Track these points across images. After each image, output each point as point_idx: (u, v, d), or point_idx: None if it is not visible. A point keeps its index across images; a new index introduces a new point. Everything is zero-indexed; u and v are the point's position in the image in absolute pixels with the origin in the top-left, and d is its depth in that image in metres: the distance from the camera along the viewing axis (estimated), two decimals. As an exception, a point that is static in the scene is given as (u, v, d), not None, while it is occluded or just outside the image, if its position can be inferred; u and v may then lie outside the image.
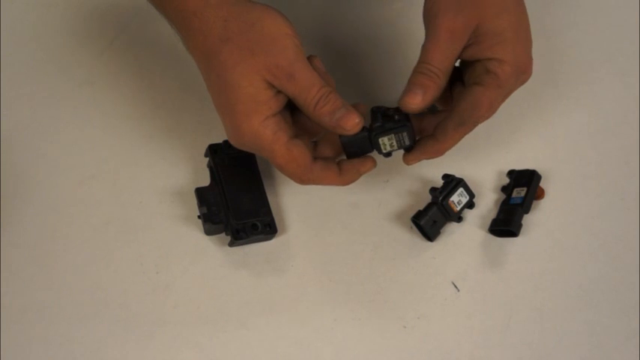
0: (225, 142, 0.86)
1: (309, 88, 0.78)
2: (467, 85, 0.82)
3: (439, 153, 0.83)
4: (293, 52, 0.78)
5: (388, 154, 0.82)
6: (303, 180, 0.80)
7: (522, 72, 0.81)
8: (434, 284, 0.84)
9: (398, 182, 0.88)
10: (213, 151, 0.85)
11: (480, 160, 0.90)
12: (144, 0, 0.82)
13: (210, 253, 0.84)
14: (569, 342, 0.83)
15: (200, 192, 0.84)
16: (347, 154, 0.82)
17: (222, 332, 0.82)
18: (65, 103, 0.90)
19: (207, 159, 0.86)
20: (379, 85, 0.93)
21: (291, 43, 0.78)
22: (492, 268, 0.85)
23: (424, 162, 0.87)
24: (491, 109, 0.81)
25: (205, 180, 0.86)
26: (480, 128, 0.90)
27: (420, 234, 0.86)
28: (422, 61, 0.80)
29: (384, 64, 0.94)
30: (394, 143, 0.81)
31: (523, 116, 0.92)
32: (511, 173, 0.89)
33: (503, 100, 0.82)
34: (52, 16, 0.94)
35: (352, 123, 0.78)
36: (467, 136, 0.89)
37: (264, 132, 0.78)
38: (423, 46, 0.80)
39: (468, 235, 0.86)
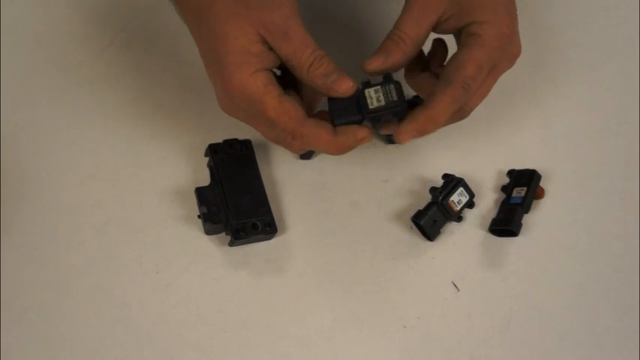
0: (225, 141, 0.86)
1: (304, 48, 0.77)
2: None
3: (430, 122, 0.79)
4: (289, 10, 0.77)
5: (376, 119, 0.79)
6: (295, 135, 0.78)
7: (507, 37, 0.80)
8: (434, 284, 0.84)
9: (398, 182, 0.88)
10: (213, 151, 0.85)
11: (480, 160, 0.90)
12: (144, 0, 0.82)
13: (210, 253, 0.84)
14: (569, 342, 0.83)
15: (200, 192, 0.84)
16: (333, 123, 0.79)
17: (222, 332, 0.82)
18: (65, 103, 0.90)
19: (207, 159, 0.86)
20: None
21: (287, 1, 0.77)
22: (492, 268, 0.85)
23: (424, 161, 0.88)
24: (479, 71, 0.79)
25: (205, 180, 0.86)
26: (480, 128, 0.90)
27: (420, 234, 0.86)
28: (394, 27, 0.81)
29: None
30: (381, 97, 0.78)
31: (523, 116, 0.92)
32: (511, 173, 0.89)
33: (489, 65, 0.80)
34: (52, 16, 0.94)
35: (346, 86, 0.77)
36: (467, 136, 0.89)
37: (254, 83, 0.76)
38: (399, 15, 0.81)
39: (468, 235, 0.86)
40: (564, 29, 0.97)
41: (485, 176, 0.89)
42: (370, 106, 0.78)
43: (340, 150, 0.79)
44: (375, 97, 0.78)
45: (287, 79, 0.81)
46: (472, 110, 0.83)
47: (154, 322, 0.81)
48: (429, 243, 0.86)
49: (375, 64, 0.80)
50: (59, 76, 0.91)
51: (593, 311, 0.84)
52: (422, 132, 0.80)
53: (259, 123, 0.79)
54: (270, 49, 0.77)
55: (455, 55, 0.81)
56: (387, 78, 0.79)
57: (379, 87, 0.78)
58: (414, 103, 0.83)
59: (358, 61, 0.81)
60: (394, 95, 0.79)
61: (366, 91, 0.78)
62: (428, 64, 0.85)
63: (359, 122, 0.79)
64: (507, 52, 0.81)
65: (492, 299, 0.84)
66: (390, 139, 0.89)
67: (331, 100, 0.79)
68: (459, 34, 0.82)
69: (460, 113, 0.82)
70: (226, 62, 0.76)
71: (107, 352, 0.80)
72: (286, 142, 0.79)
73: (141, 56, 0.93)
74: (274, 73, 0.79)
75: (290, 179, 0.87)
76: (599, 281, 0.85)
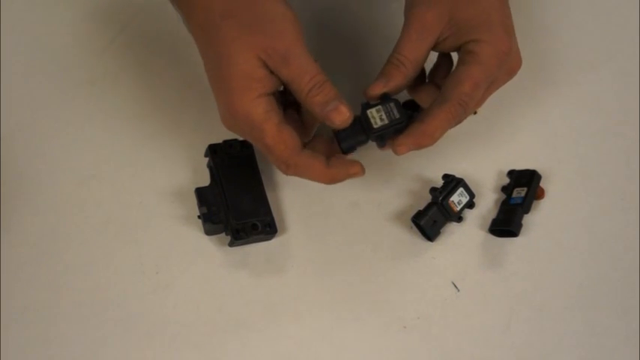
0: (225, 142, 0.86)
1: (303, 74, 0.77)
2: None
3: (427, 136, 0.80)
4: (291, 35, 0.78)
5: (381, 137, 0.80)
6: (289, 165, 0.79)
7: (504, 54, 0.81)
8: (434, 284, 0.84)
9: (398, 182, 0.88)
10: (213, 151, 0.85)
11: (480, 160, 0.90)
12: (144, 0, 0.82)
13: (210, 253, 0.84)
14: (569, 342, 0.83)
15: (200, 192, 0.84)
16: (341, 148, 0.81)
17: (222, 332, 0.82)
18: (65, 103, 0.90)
19: (207, 159, 0.86)
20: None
21: (290, 27, 0.78)
22: (492, 268, 0.85)
23: (424, 161, 0.88)
24: (476, 89, 0.80)
25: (205, 180, 0.86)
26: (480, 128, 0.91)
27: (420, 234, 0.86)
28: (393, 51, 0.82)
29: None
30: (384, 116, 0.79)
31: (523, 116, 0.92)
32: (511, 173, 0.89)
33: (487, 82, 0.81)
34: (52, 16, 0.94)
35: (342, 118, 0.78)
36: (467, 136, 0.89)
37: (256, 110, 0.78)
38: (398, 39, 0.82)
39: (468, 235, 0.86)
40: (564, 29, 0.97)
41: (485, 176, 0.89)
42: (374, 126, 0.79)
43: (331, 182, 0.81)
44: (377, 117, 0.79)
45: (289, 96, 0.82)
46: (465, 118, 0.83)
47: (154, 322, 0.81)
48: (429, 243, 0.86)
49: (377, 89, 0.81)
50: (59, 76, 0.91)
51: (593, 311, 0.84)
52: (418, 146, 0.81)
53: (257, 145, 0.81)
54: (272, 73, 0.78)
55: (453, 72, 0.81)
56: (384, 97, 0.80)
57: (380, 106, 0.80)
58: (411, 107, 0.84)
59: (361, 75, 0.83)
60: (396, 113, 0.79)
61: (369, 111, 0.79)
62: (431, 76, 0.86)
63: (364, 143, 0.80)
64: (505, 68, 0.82)
65: (492, 299, 0.84)
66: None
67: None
68: (458, 51, 0.82)
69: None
70: (230, 87, 0.78)
71: (107, 352, 0.80)
72: (280, 168, 0.80)
73: (141, 56, 0.93)
74: (277, 91, 0.80)
75: (290, 179, 0.87)
76: (599, 281, 0.85)
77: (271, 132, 0.78)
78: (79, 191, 0.86)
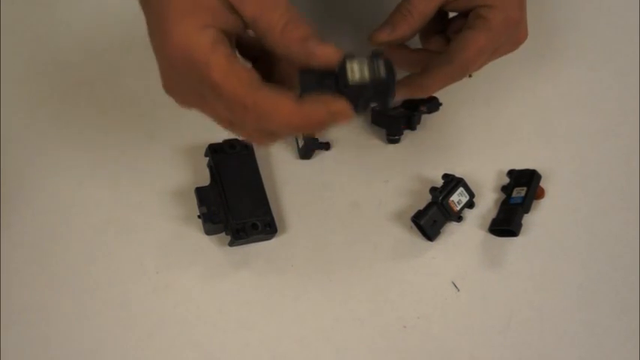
0: (225, 141, 0.86)
1: (275, 6, 0.63)
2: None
3: (422, 90, 0.80)
4: None
5: (354, 96, 0.64)
6: (246, 106, 0.61)
7: (514, 23, 0.80)
8: (434, 284, 0.84)
9: (398, 182, 0.88)
10: (213, 151, 0.85)
11: (480, 160, 0.90)
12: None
13: (210, 253, 0.84)
14: (569, 342, 0.83)
15: (200, 192, 0.84)
16: (300, 89, 0.65)
17: (222, 332, 0.82)
18: (65, 103, 0.90)
19: (207, 159, 0.86)
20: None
21: None
22: (492, 268, 0.85)
23: (424, 162, 0.88)
24: (480, 55, 0.80)
25: (205, 180, 0.86)
26: (480, 128, 0.91)
27: (420, 234, 0.86)
28: (404, 0, 0.80)
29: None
30: (365, 72, 0.64)
31: (523, 116, 0.92)
32: (511, 173, 0.89)
33: (492, 49, 0.81)
34: (52, 16, 0.94)
35: (330, 50, 0.63)
36: (467, 136, 0.89)
37: (198, 39, 0.61)
38: None
39: (468, 235, 0.86)
40: (564, 29, 0.97)
41: (485, 176, 0.89)
42: (350, 81, 0.64)
43: (306, 124, 0.63)
44: (357, 71, 0.64)
45: (261, 73, 0.66)
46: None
47: (154, 322, 0.81)
48: (429, 243, 0.86)
49: (382, 36, 0.79)
50: (59, 76, 0.91)
51: (593, 311, 0.84)
52: (412, 95, 0.81)
53: (205, 100, 0.64)
54: (231, 9, 0.63)
55: (461, 35, 0.81)
56: (375, 54, 0.66)
57: (365, 60, 0.65)
58: (411, 107, 0.83)
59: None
60: (382, 72, 0.65)
61: (348, 62, 0.64)
62: (445, 27, 0.85)
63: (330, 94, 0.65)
64: (512, 37, 0.82)
65: (492, 299, 0.84)
66: (390, 139, 0.89)
67: (303, 72, 0.64)
68: (466, 14, 0.82)
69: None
70: (169, 14, 0.62)
71: (107, 352, 0.80)
72: (237, 117, 0.63)
73: (141, 56, 0.93)
74: (233, 37, 0.65)
75: (290, 179, 0.87)
76: (599, 281, 0.85)
77: (219, 63, 0.61)
78: (79, 191, 0.86)
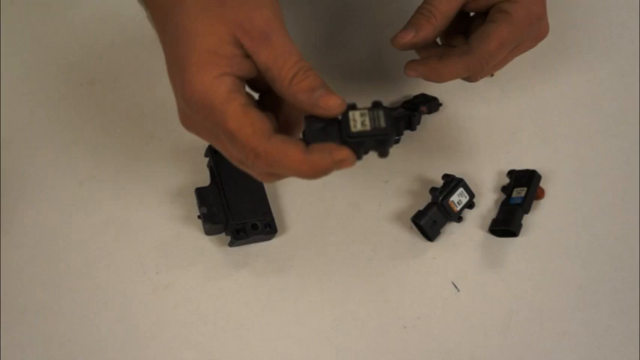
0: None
1: (287, 55, 0.66)
2: None
3: (438, 75, 0.80)
4: (272, 11, 0.66)
5: (357, 145, 0.68)
6: (258, 153, 0.65)
7: (536, 18, 0.80)
8: (434, 284, 0.84)
9: (398, 182, 0.88)
10: (213, 151, 0.85)
11: (480, 160, 0.90)
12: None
13: (210, 253, 0.84)
14: (569, 342, 0.83)
15: (200, 192, 0.84)
16: (304, 135, 0.69)
17: (222, 332, 0.82)
18: (65, 103, 0.90)
19: (207, 159, 0.86)
20: (380, 87, 0.93)
21: (269, 1, 0.66)
22: (492, 268, 0.85)
23: (424, 162, 0.88)
24: (501, 49, 0.80)
25: (205, 180, 0.85)
26: (480, 128, 0.90)
27: (420, 234, 0.86)
28: (424, 2, 0.80)
29: (384, 63, 0.94)
30: (367, 122, 0.68)
31: (523, 116, 0.92)
32: (511, 173, 0.89)
33: (514, 43, 0.80)
34: (52, 16, 0.94)
35: (334, 102, 0.66)
36: (467, 136, 0.89)
37: (217, 88, 0.64)
38: None
39: (468, 235, 0.86)
40: (564, 29, 0.96)
41: (485, 176, 0.89)
42: (353, 129, 0.68)
43: (313, 171, 0.67)
44: (359, 121, 0.68)
45: (266, 105, 0.71)
46: (481, 79, 0.83)
47: (154, 322, 0.81)
48: (429, 243, 0.86)
49: (406, 38, 0.79)
50: (59, 76, 0.91)
51: (593, 311, 0.84)
52: (426, 78, 0.80)
53: (220, 141, 0.68)
54: (246, 55, 0.66)
55: (482, 28, 0.80)
56: (376, 104, 0.69)
57: (366, 111, 0.68)
58: (411, 107, 0.83)
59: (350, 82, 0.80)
60: (382, 122, 0.68)
61: (350, 113, 0.68)
62: (467, 27, 0.84)
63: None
64: (534, 33, 0.81)
65: (492, 299, 0.84)
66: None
67: (308, 119, 0.68)
68: (487, 14, 0.81)
69: (468, 77, 0.82)
70: (189, 62, 0.65)
71: (107, 352, 0.80)
72: (249, 161, 0.67)
73: (141, 56, 0.93)
74: (245, 81, 0.69)
75: (290, 179, 0.86)
76: (599, 281, 0.85)
77: (235, 113, 0.64)
78: (79, 191, 0.86)
